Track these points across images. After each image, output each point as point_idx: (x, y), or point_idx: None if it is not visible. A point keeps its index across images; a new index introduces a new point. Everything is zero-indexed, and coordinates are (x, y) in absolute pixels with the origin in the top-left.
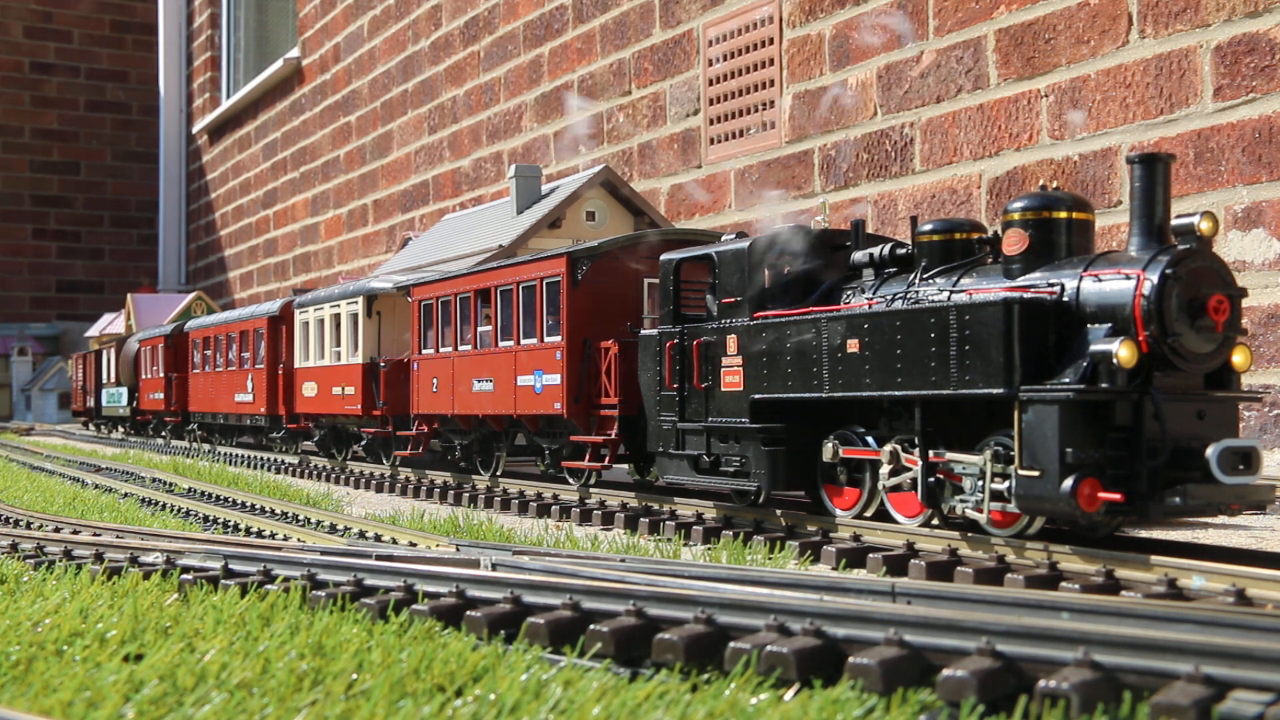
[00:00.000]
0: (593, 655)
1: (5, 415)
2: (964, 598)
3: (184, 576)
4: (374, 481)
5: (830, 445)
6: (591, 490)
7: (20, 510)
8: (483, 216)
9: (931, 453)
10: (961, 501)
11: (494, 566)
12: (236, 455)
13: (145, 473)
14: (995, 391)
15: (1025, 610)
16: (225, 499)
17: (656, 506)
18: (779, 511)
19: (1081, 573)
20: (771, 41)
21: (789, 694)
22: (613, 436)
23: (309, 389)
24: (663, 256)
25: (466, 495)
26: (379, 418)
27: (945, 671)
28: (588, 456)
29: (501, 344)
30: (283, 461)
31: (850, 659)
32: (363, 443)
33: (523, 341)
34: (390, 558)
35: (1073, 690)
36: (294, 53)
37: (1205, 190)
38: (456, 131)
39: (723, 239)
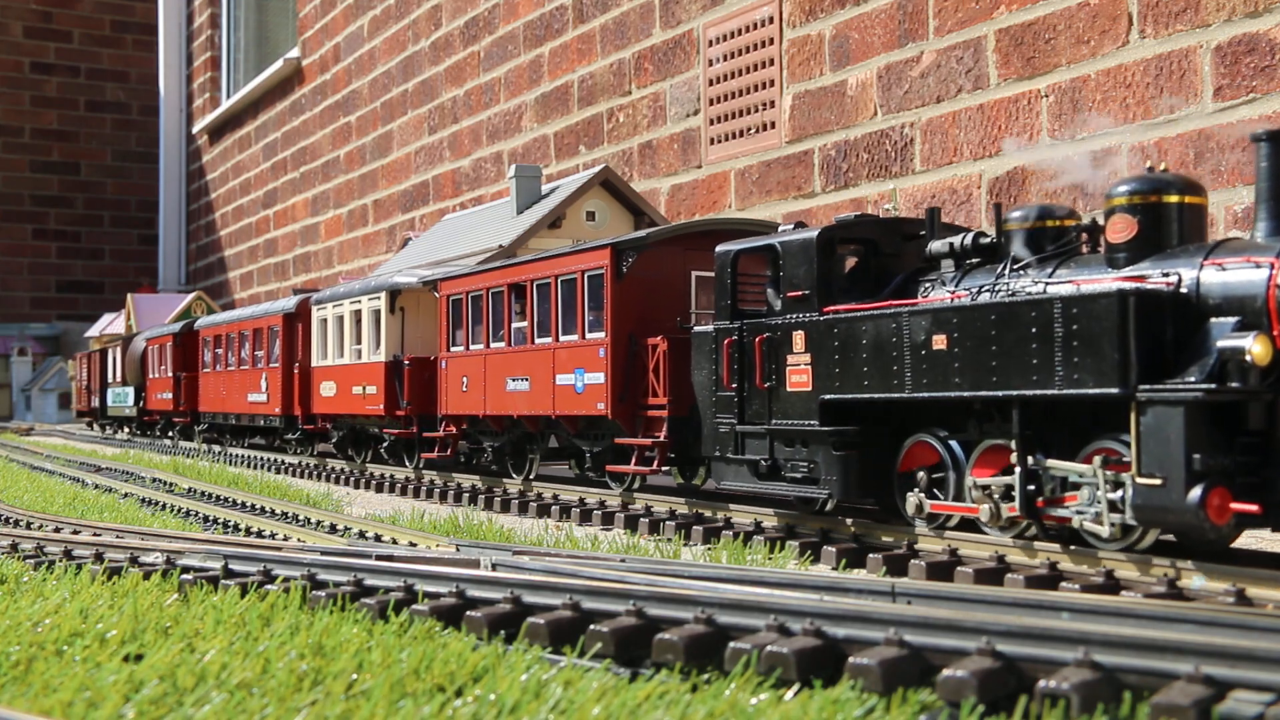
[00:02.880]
0: (593, 655)
1: (5, 415)
2: (964, 598)
3: (184, 576)
4: (374, 482)
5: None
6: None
7: (20, 510)
8: (483, 216)
9: (1030, 459)
10: (1079, 513)
11: (494, 566)
12: (247, 457)
13: (145, 473)
14: (1109, 391)
15: (1025, 610)
16: (225, 499)
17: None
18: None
19: (1081, 573)
20: (771, 41)
21: (789, 694)
22: (661, 439)
23: (327, 389)
24: (719, 248)
25: (466, 495)
26: (402, 418)
27: (945, 671)
28: (634, 460)
29: (538, 341)
30: (283, 461)
31: (850, 659)
32: (384, 444)
33: (562, 338)
34: (390, 558)
35: (1073, 690)
36: (294, 53)
37: (1207, 190)
38: (456, 131)
39: (780, 229)
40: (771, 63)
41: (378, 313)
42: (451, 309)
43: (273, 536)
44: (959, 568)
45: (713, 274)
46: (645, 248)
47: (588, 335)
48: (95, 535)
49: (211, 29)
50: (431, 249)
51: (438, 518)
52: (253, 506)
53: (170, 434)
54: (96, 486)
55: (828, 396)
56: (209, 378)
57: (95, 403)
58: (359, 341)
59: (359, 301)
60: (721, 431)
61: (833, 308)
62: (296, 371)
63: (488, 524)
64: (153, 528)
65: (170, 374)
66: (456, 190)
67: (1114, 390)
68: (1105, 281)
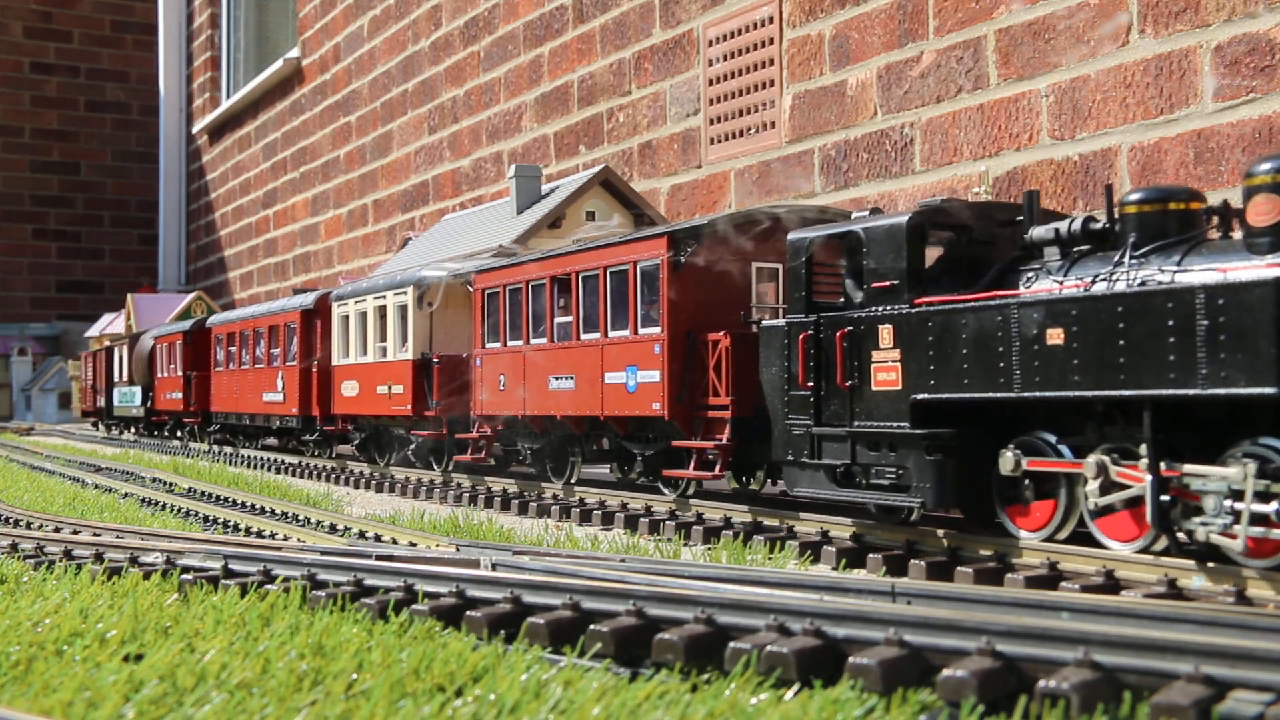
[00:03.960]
0: (593, 655)
1: (5, 415)
2: (964, 598)
3: (184, 576)
4: (374, 482)
5: (1011, 455)
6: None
7: (20, 510)
8: (483, 216)
9: (1164, 465)
10: (1204, 525)
11: (494, 566)
12: (261, 459)
13: (145, 473)
14: (1264, 391)
15: (1025, 610)
16: (225, 499)
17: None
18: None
19: (1081, 573)
20: (771, 41)
21: (789, 694)
22: (724, 442)
23: (349, 388)
24: (793, 235)
25: (467, 495)
26: (432, 419)
27: (945, 671)
28: (692, 464)
29: (585, 337)
30: (283, 461)
31: (850, 659)
32: (411, 446)
33: (611, 334)
34: (390, 558)
35: (1073, 690)
36: (294, 53)
37: (1205, 190)
38: (456, 131)
39: (856, 215)
40: (771, 63)
41: (404, 308)
42: (487, 303)
43: (273, 536)
44: (959, 568)
45: (775, 264)
46: (705, 237)
47: (641, 331)
48: (95, 535)
49: (211, 29)
50: (431, 249)
51: (438, 518)
52: (253, 506)
53: (180, 435)
54: (96, 486)
55: (920, 396)
56: (221, 377)
57: (101, 403)
58: (384, 339)
59: (384, 296)
60: (795, 434)
61: (925, 299)
62: (315, 370)
63: (488, 524)
64: (153, 528)
65: (180, 373)
66: (456, 190)
67: (1270, 390)
68: (1254, 269)
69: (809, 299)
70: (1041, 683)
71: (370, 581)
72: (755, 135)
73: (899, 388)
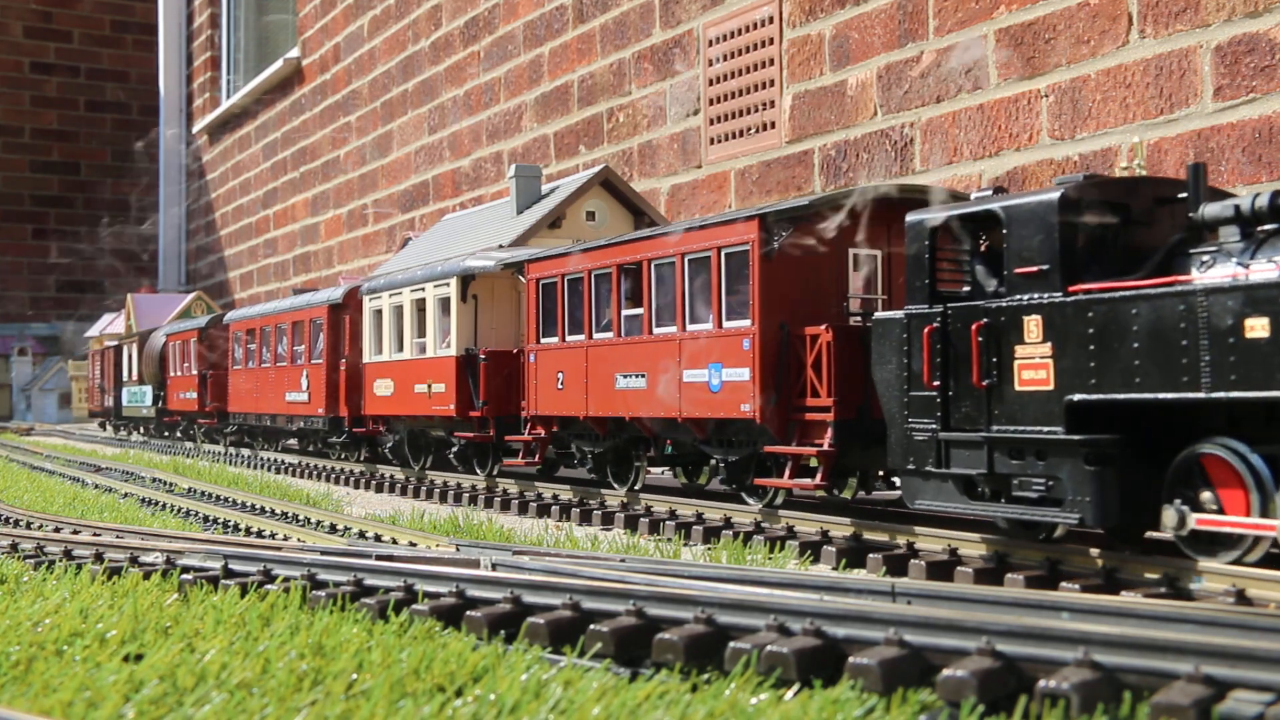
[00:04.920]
0: (593, 655)
1: (5, 415)
2: (964, 598)
3: (184, 576)
4: (374, 481)
5: (1174, 512)
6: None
7: (20, 510)
8: (483, 216)
9: None
10: None
11: (494, 566)
12: (281, 462)
13: (145, 473)
14: None
15: (1025, 610)
16: (225, 499)
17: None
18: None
19: (1081, 573)
20: (771, 41)
21: (789, 694)
22: (825, 447)
23: (382, 387)
24: (912, 216)
25: (467, 495)
26: (477, 420)
27: (945, 671)
28: (787, 472)
29: (659, 330)
30: (283, 461)
31: (850, 659)
32: (454, 449)
33: (690, 327)
34: (390, 558)
35: (1073, 690)
36: (294, 53)
37: None
38: (456, 131)
39: (976, 195)
40: (771, 63)
41: (446, 301)
42: (543, 295)
43: (273, 536)
44: (959, 567)
45: (872, 250)
46: (802, 219)
47: (726, 324)
48: (95, 535)
49: (211, 29)
50: (431, 249)
51: (438, 518)
52: (253, 506)
53: (193, 435)
54: (96, 486)
55: (1076, 397)
56: (240, 375)
57: (109, 402)
58: (423, 334)
59: (422, 289)
60: (917, 439)
61: (1082, 286)
62: (343, 368)
63: (488, 524)
64: (153, 528)
65: (195, 372)
66: (456, 190)
67: None
68: None
69: (933, 288)
70: (1041, 683)
71: (370, 581)
72: (755, 135)
73: (1050, 387)
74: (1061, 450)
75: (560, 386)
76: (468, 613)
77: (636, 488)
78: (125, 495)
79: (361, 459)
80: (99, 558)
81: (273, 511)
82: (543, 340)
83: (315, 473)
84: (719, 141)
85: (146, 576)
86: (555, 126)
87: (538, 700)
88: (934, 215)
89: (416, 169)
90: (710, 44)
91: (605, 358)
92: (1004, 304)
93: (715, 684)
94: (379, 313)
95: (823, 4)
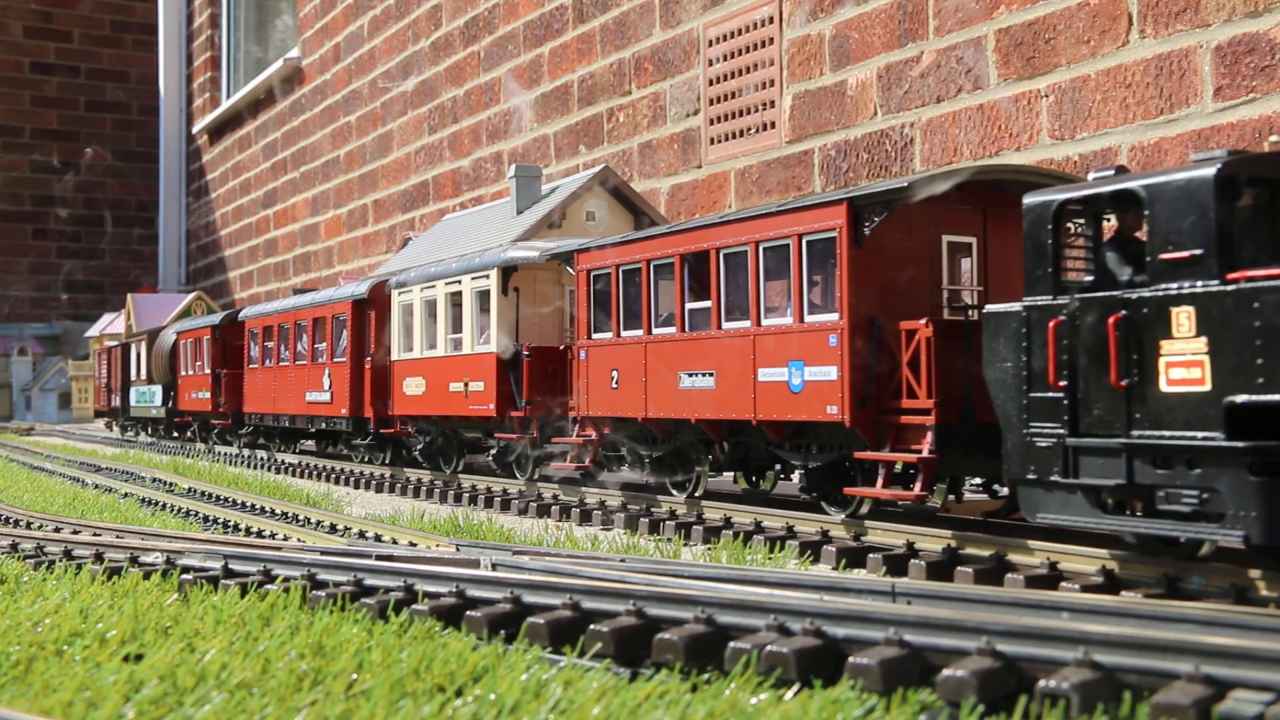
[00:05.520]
0: (593, 655)
1: (5, 415)
2: (964, 598)
3: (184, 576)
4: (374, 481)
5: None
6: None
7: (20, 510)
8: (483, 216)
9: None
10: None
11: (494, 566)
12: (286, 463)
13: (145, 473)
14: None
15: (1025, 610)
16: (225, 499)
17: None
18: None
19: (1081, 573)
20: (771, 41)
21: (789, 694)
22: (925, 454)
23: (413, 386)
24: (1030, 198)
25: (466, 495)
26: (519, 420)
27: (945, 671)
28: (880, 480)
29: (729, 325)
30: (283, 461)
31: (850, 659)
32: (492, 452)
33: (766, 322)
34: (390, 558)
35: (1073, 690)
36: (294, 53)
37: None
38: (456, 131)
39: (1096, 176)
40: (771, 63)
41: (485, 294)
42: (595, 287)
43: (273, 536)
44: (959, 567)
45: (968, 237)
46: (896, 203)
47: (808, 318)
48: (95, 535)
49: (211, 29)
50: (431, 249)
51: (438, 518)
52: (253, 506)
53: (205, 437)
54: (96, 486)
55: (1240, 399)
56: (256, 374)
57: (116, 402)
58: (458, 329)
59: (458, 282)
60: (1039, 446)
61: (1243, 274)
62: (368, 366)
63: (488, 524)
64: (153, 528)
65: (208, 371)
66: (456, 190)
67: None
68: None
69: (1057, 277)
70: (1041, 682)
71: (370, 581)
72: (755, 135)
73: (1205, 388)
74: (1220, 459)
75: (615, 386)
76: (468, 613)
77: (698, 494)
78: (125, 495)
79: (385, 462)
80: (99, 558)
81: (273, 511)
82: (595, 336)
83: (315, 473)
84: (719, 141)
85: (146, 576)
86: (555, 126)
87: (538, 700)
88: (1058, 196)
89: (416, 169)
90: (710, 44)
91: (667, 355)
92: (1146, 294)
93: (715, 684)
94: (409, 307)
95: (823, 4)
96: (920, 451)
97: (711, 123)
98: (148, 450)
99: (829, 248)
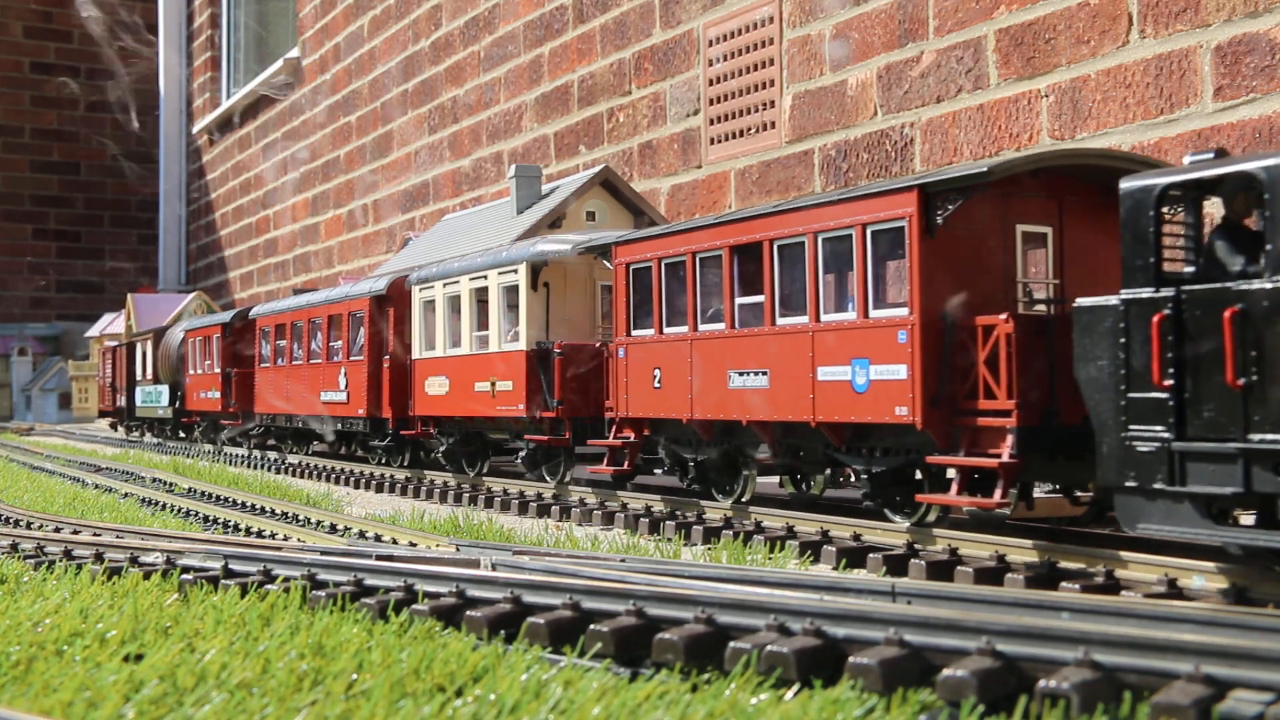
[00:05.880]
0: (593, 655)
1: (5, 415)
2: (964, 598)
3: (184, 576)
4: (374, 482)
5: None
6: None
7: (20, 510)
8: (483, 216)
9: None
10: None
11: (494, 566)
12: (286, 462)
13: (145, 473)
14: None
15: (1025, 610)
16: (225, 499)
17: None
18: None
19: (1081, 573)
20: (771, 41)
21: (789, 694)
22: (1006, 459)
23: (435, 385)
24: (1128, 183)
25: (467, 495)
26: (550, 421)
27: (945, 671)
28: (956, 486)
29: (784, 321)
30: (283, 461)
31: (850, 659)
32: (522, 454)
33: (826, 317)
34: (390, 558)
35: (1073, 690)
36: (294, 53)
37: None
38: (456, 131)
39: (1193, 160)
40: (771, 63)
41: (513, 290)
42: (635, 281)
43: (273, 536)
44: (959, 567)
45: (1043, 226)
46: (973, 189)
47: (874, 313)
48: (95, 535)
49: (211, 29)
50: (431, 249)
51: (438, 518)
52: (253, 506)
53: (213, 439)
54: (96, 486)
55: None
56: (268, 374)
57: (121, 402)
58: (484, 326)
59: (483, 277)
60: (1140, 450)
61: None
62: (387, 365)
63: (488, 524)
64: (153, 528)
65: (217, 370)
66: (456, 190)
67: None
68: None
69: (1158, 268)
70: (1041, 682)
71: (370, 581)
72: (755, 135)
73: None
74: None
75: (657, 385)
76: (468, 613)
77: (744, 499)
78: (125, 495)
79: (404, 464)
80: (99, 558)
81: (273, 511)
82: (635, 333)
83: (315, 473)
84: (719, 141)
85: (146, 576)
86: (555, 126)
87: (538, 700)
88: (1160, 180)
89: (416, 169)
90: (710, 44)
91: (715, 353)
92: (1268, 287)
93: (715, 684)
94: (431, 304)
95: (823, 4)
96: (1000, 456)
97: (711, 123)
98: (148, 450)
99: (897, 238)
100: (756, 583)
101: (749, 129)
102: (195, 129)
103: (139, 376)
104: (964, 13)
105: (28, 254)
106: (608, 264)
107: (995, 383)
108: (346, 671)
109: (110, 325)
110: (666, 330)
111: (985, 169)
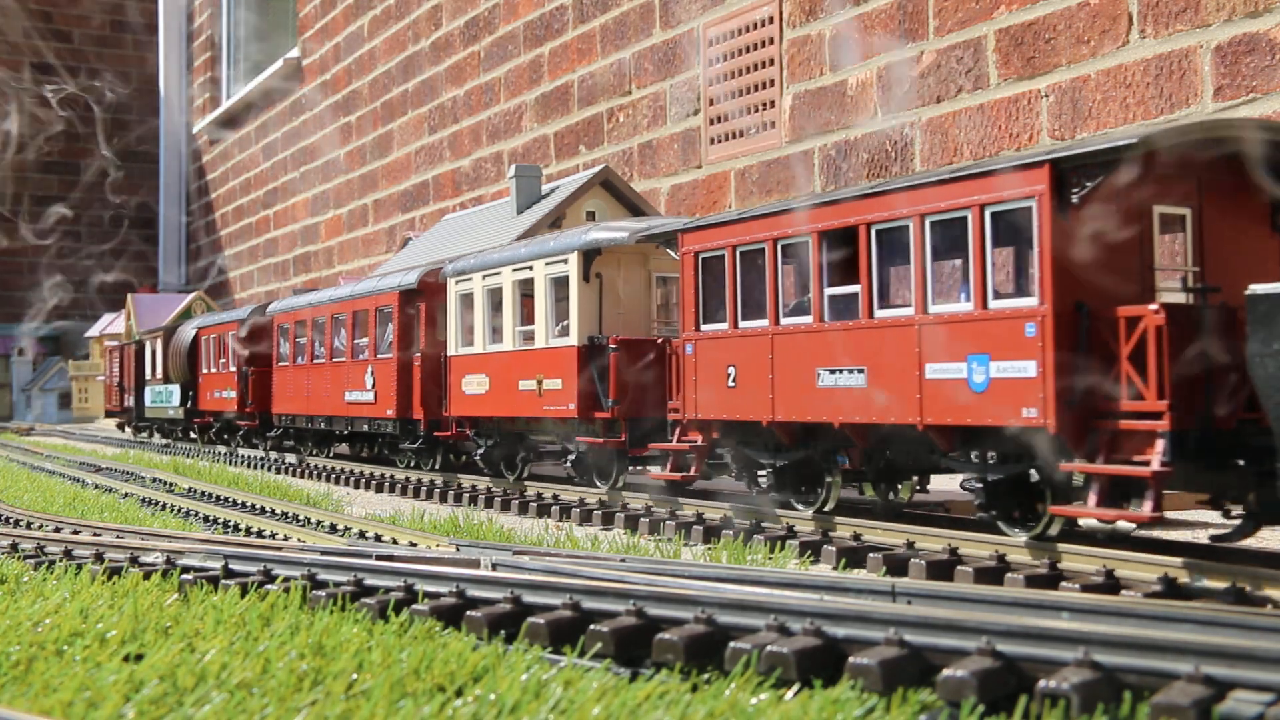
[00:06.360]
0: (593, 655)
1: (5, 415)
2: (964, 597)
3: (184, 576)
4: (374, 481)
5: None
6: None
7: (20, 510)
8: (483, 216)
9: None
10: None
11: (494, 566)
12: (286, 462)
13: (145, 473)
14: None
15: (1025, 610)
16: (225, 499)
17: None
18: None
19: (1081, 572)
20: (771, 41)
21: (789, 694)
22: (1156, 466)
23: (473, 384)
24: None
25: (467, 495)
26: (604, 423)
27: (945, 671)
28: (1095, 496)
29: (883, 313)
30: (283, 461)
31: (850, 659)
32: (571, 457)
33: (935, 308)
34: (390, 558)
35: (1073, 690)
36: (294, 53)
37: None
38: (456, 131)
39: None
40: (771, 63)
41: (563, 281)
42: (705, 271)
43: (273, 536)
44: (959, 567)
45: (1182, 209)
46: (1118, 165)
47: (994, 304)
48: (95, 535)
49: (211, 29)
50: (431, 249)
51: (438, 518)
52: (253, 506)
53: (228, 439)
54: (96, 486)
55: None
56: (287, 373)
57: (129, 402)
58: (529, 320)
59: (529, 268)
60: None
61: None
62: (418, 363)
63: (488, 524)
64: (153, 528)
65: (233, 369)
66: (456, 190)
67: None
68: None
69: None
70: (1041, 683)
71: (370, 581)
72: (755, 135)
73: None
74: None
75: (732, 384)
76: (468, 613)
77: (828, 509)
78: (125, 495)
79: (435, 468)
80: (99, 558)
81: (273, 511)
82: (705, 328)
83: (315, 473)
84: (719, 141)
85: (146, 576)
86: (555, 126)
87: (538, 700)
88: None
89: (416, 169)
90: (710, 44)
91: (802, 348)
92: None
93: (715, 684)
94: (468, 297)
95: (822, 4)
96: (1149, 463)
97: (711, 123)
98: (149, 450)
99: (1023, 219)
100: (756, 583)
101: (749, 129)
102: (195, 129)
103: (148, 376)
104: (964, 13)
105: (28, 254)
106: (673, 254)
107: (1142, 381)
108: (346, 671)
109: (110, 325)
110: (742, 324)
111: (1133, 141)
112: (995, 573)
